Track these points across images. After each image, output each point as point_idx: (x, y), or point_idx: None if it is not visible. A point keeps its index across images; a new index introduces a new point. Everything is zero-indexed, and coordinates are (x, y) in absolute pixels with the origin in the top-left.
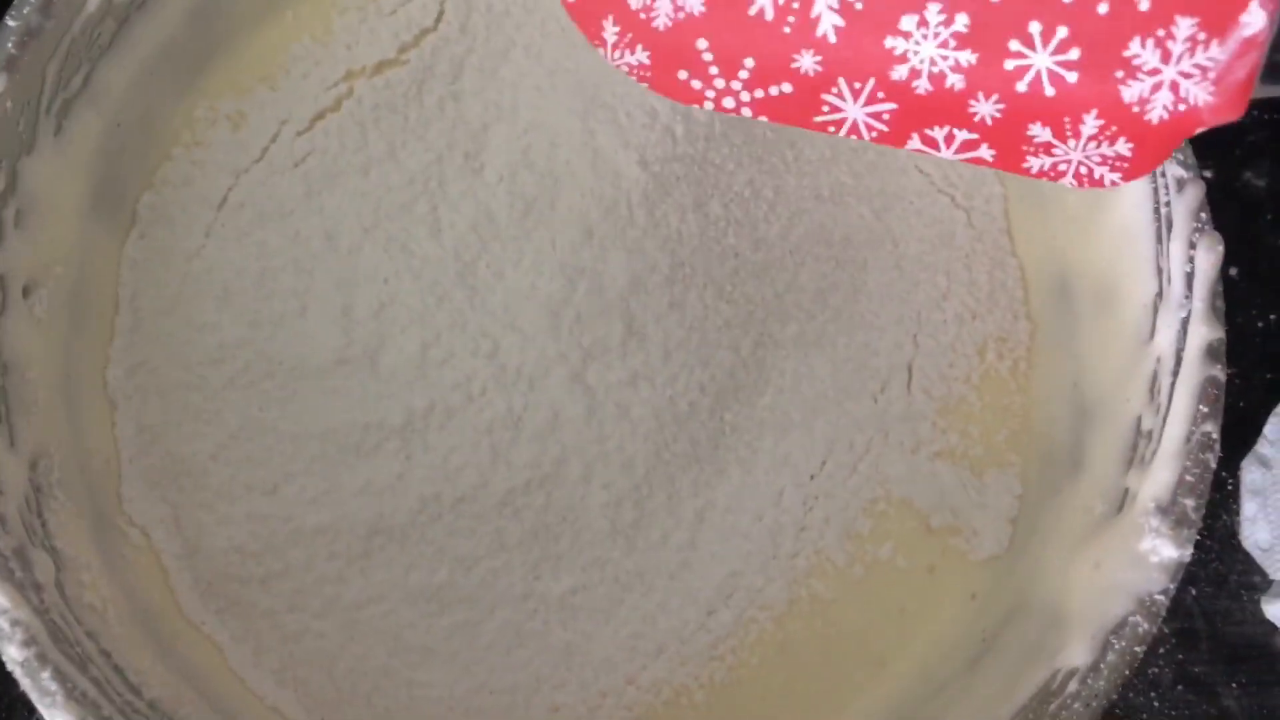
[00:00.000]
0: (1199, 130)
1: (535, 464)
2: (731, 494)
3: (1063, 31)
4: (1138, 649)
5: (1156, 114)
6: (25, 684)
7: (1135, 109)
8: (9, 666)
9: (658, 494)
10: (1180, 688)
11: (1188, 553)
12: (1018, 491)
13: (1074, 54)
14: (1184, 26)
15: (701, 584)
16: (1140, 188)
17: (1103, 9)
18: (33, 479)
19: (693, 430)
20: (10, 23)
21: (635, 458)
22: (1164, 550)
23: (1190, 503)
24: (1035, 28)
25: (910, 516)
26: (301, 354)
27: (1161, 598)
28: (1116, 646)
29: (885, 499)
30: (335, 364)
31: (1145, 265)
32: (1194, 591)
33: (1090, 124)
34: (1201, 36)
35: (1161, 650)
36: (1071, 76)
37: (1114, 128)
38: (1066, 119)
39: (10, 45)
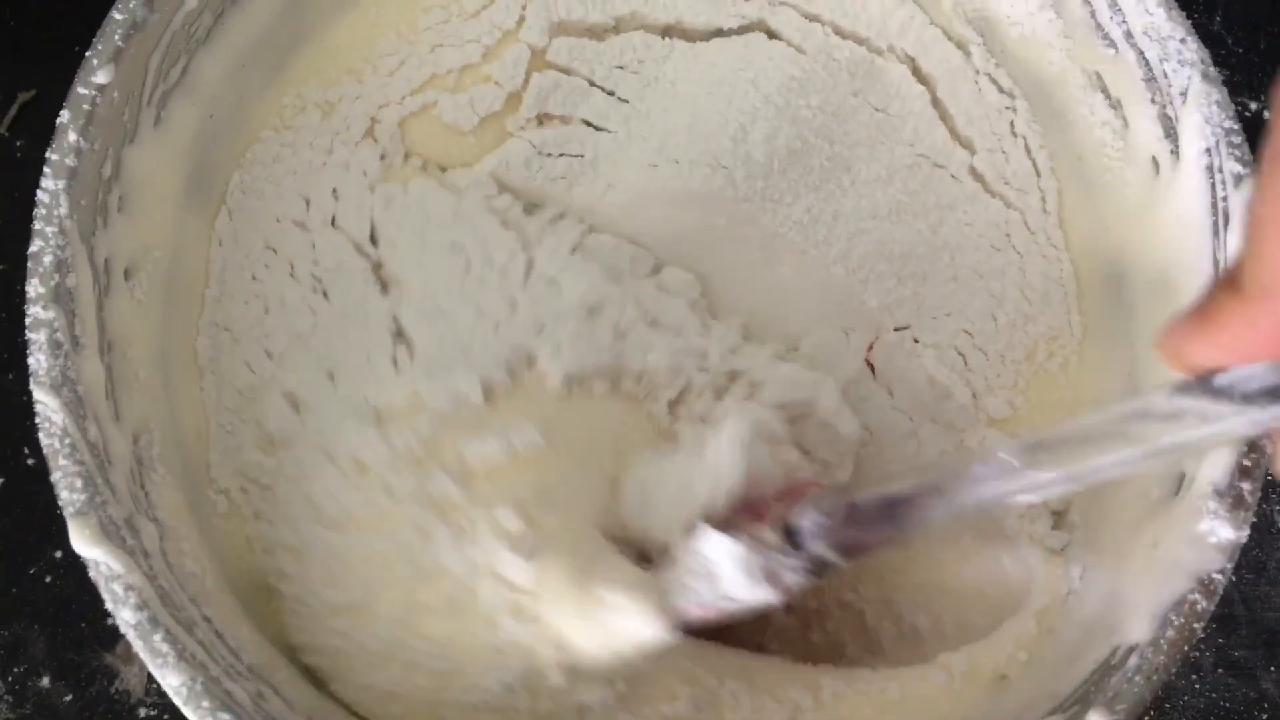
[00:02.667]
0: None
1: None
2: None
3: None
4: (1196, 625)
5: None
6: (138, 645)
7: None
8: (123, 629)
9: None
10: (1220, 671)
11: (1244, 534)
12: None
13: None
14: None
15: None
16: (1198, 182)
17: None
18: (135, 452)
19: None
20: (117, 15)
21: None
22: (1222, 531)
23: (1247, 486)
24: None
25: None
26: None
27: (1219, 577)
28: (1175, 623)
29: None
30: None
31: (1202, 258)
32: (1234, 578)
33: None
34: None
35: (1202, 634)
36: None
37: None
38: None
39: (117, 38)
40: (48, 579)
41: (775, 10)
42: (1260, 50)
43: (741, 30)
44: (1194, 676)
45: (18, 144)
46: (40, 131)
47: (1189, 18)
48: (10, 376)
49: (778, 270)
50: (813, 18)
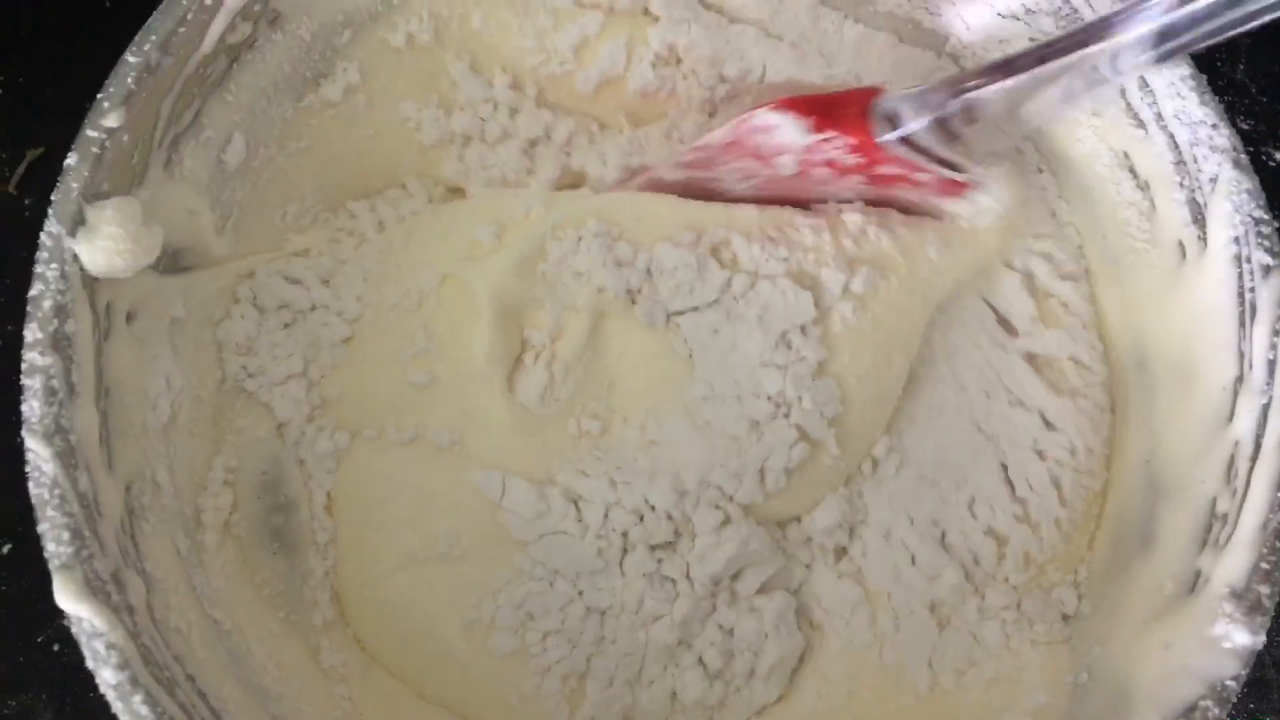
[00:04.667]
0: None
1: None
2: None
3: None
4: None
5: None
6: (117, 707)
7: None
8: (102, 689)
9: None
10: None
11: (1261, 639)
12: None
13: None
14: None
15: None
16: (1224, 270)
17: None
18: (127, 501)
19: None
20: (130, 59)
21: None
22: (1237, 637)
23: (1265, 590)
24: None
25: None
26: None
27: (1233, 684)
28: None
29: None
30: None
31: (1226, 348)
32: (1265, 641)
33: None
34: None
35: (1233, 700)
36: None
37: None
38: None
39: (130, 81)
40: (55, 647)
41: None
42: None
43: None
44: None
45: (26, 201)
46: (49, 189)
47: (1212, 65)
48: (18, 441)
49: None
50: None
